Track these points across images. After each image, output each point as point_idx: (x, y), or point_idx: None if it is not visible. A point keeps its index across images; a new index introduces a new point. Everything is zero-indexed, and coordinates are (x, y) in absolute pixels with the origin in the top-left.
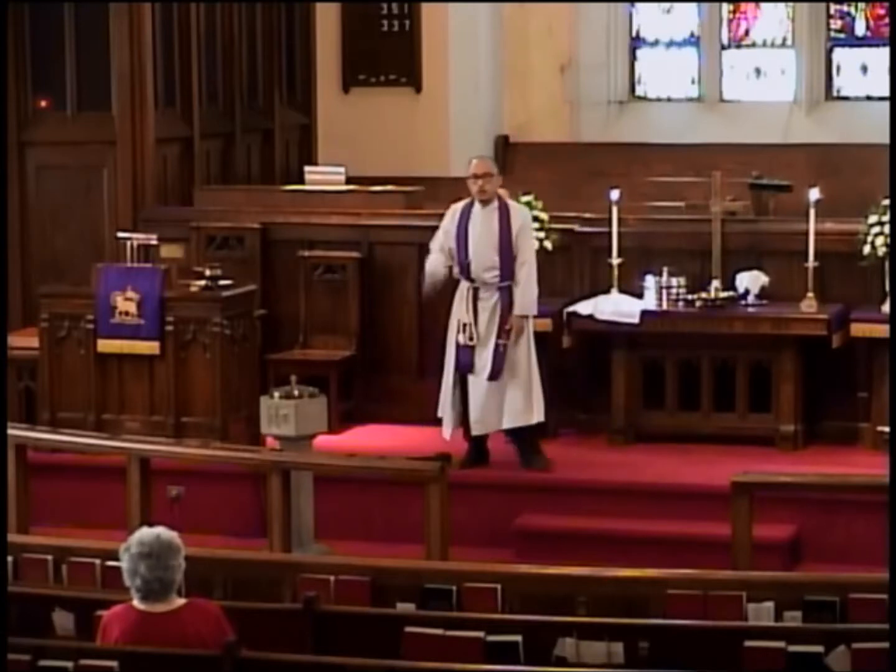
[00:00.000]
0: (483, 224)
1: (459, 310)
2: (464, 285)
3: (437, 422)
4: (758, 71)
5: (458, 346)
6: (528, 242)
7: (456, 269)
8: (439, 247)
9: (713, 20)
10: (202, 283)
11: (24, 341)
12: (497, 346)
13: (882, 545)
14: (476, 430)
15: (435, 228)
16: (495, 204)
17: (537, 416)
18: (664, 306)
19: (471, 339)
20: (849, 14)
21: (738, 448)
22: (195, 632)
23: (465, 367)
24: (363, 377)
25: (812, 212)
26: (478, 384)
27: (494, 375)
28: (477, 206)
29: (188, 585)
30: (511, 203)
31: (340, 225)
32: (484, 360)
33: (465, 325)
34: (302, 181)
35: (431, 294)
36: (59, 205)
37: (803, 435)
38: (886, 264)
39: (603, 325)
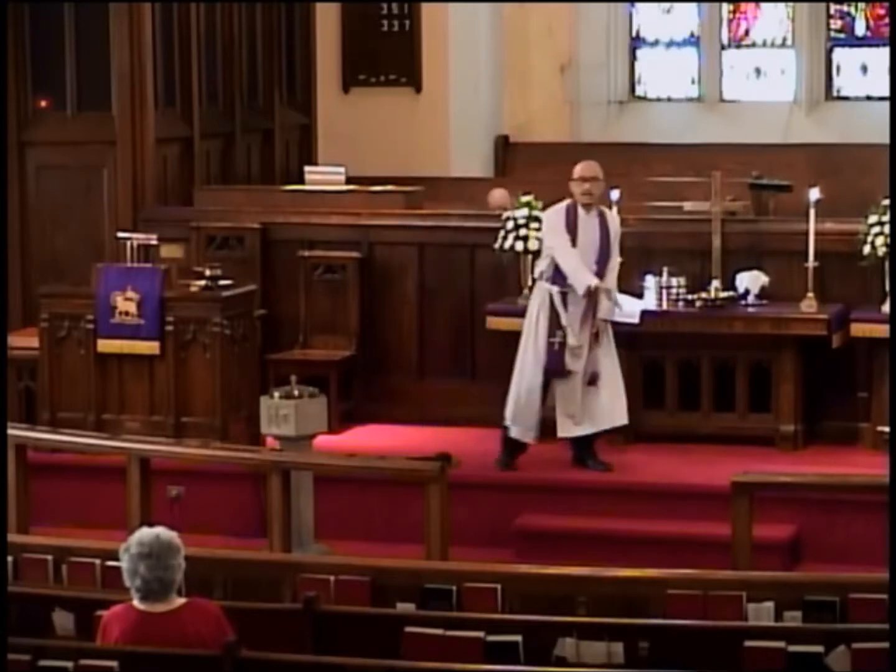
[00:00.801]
0: (586, 230)
1: (551, 313)
2: (552, 288)
3: (437, 422)
4: (758, 71)
5: (551, 348)
6: (618, 247)
7: (548, 273)
8: (568, 243)
9: (713, 20)
10: (202, 283)
11: (24, 341)
12: (592, 349)
13: (882, 545)
14: (567, 433)
15: (435, 228)
16: (596, 209)
17: (620, 419)
18: (664, 306)
19: (560, 342)
20: (849, 14)
21: (738, 448)
22: (195, 632)
23: (556, 371)
24: (363, 377)
25: (812, 212)
26: (570, 387)
27: (594, 379)
28: (581, 211)
29: (188, 585)
30: (605, 209)
31: (340, 225)
32: (577, 363)
33: (560, 327)
34: (302, 181)
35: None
36: (59, 205)
37: (803, 435)
38: (886, 264)
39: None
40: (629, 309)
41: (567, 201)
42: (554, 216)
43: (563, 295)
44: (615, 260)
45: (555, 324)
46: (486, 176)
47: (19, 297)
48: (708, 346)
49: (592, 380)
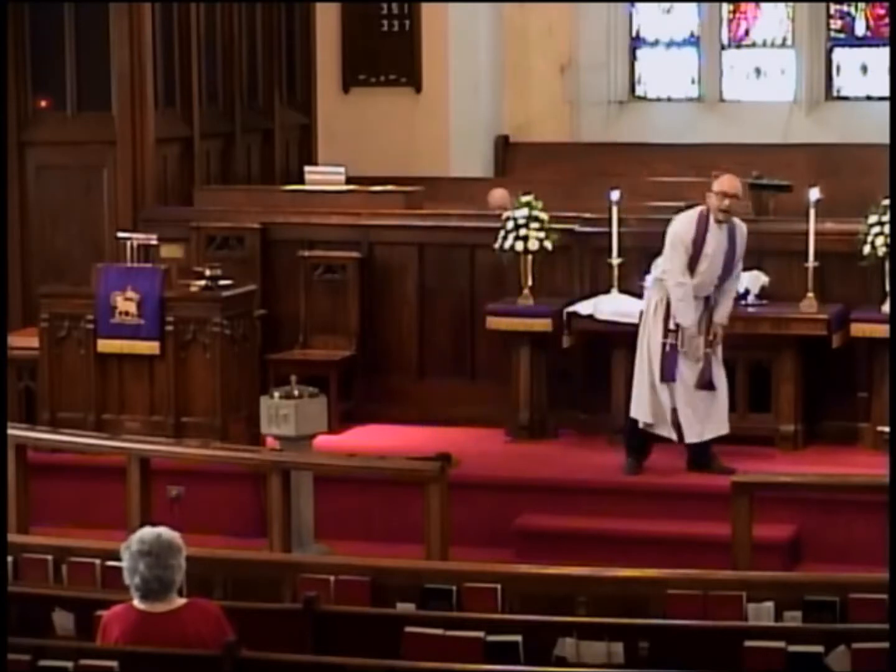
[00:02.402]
0: (717, 242)
1: (657, 319)
2: (661, 294)
3: (437, 422)
4: (758, 71)
5: (666, 351)
6: (741, 259)
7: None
8: (684, 265)
9: (713, 20)
10: (202, 283)
11: (24, 341)
12: (707, 355)
13: (882, 545)
14: (692, 438)
15: (435, 228)
16: (728, 223)
17: (727, 425)
18: None
19: (672, 345)
20: (849, 14)
21: (738, 448)
22: (195, 632)
23: (670, 375)
24: (363, 377)
25: (812, 212)
26: (686, 392)
27: (708, 385)
28: (713, 223)
29: (188, 585)
30: (737, 222)
31: (340, 225)
32: (691, 368)
33: (667, 331)
34: (302, 181)
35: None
36: (59, 205)
37: (803, 435)
38: (886, 264)
39: (603, 325)
40: (628, 309)
41: (700, 208)
42: (685, 223)
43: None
44: (738, 269)
45: (668, 326)
46: (486, 176)
47: (19, 297)
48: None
49: (706, 385)
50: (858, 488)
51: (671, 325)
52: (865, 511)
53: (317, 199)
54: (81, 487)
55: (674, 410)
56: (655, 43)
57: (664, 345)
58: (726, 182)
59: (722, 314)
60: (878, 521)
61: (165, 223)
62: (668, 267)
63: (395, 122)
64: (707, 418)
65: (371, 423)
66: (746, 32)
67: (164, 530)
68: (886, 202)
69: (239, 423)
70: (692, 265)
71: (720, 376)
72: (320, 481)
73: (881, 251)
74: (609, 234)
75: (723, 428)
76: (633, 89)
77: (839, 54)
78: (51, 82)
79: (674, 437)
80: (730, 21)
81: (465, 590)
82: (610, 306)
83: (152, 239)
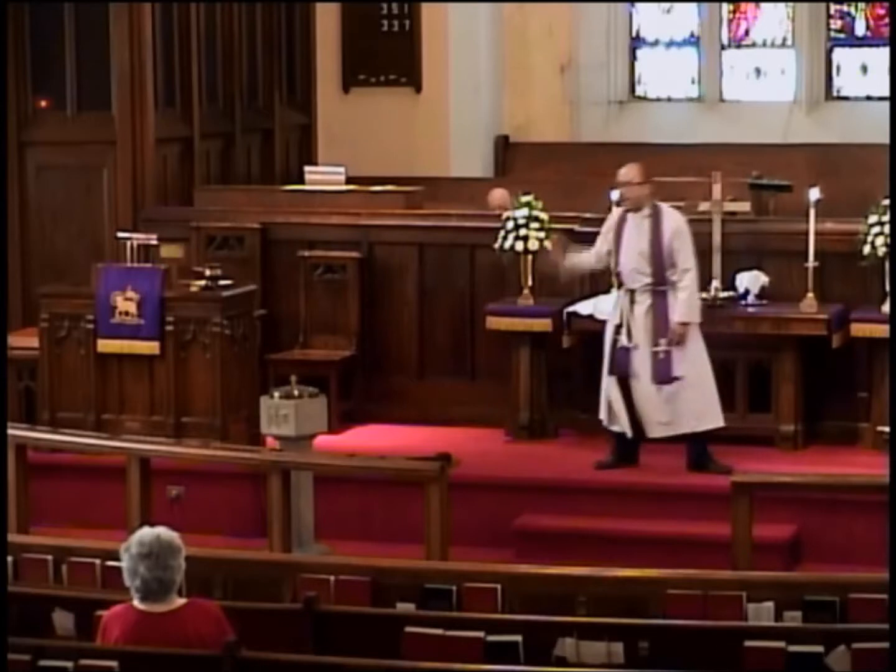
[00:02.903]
0: (633, 231)
1: (615, 313)
2: (621, 290)
3: (437, 422)
4: (758, 71)
5: (615, 348)
6: (687, 248)
7: (614, 277)
8: (595, 249)
9: (713, 20)
10: (202, 283)
11: (24, 341)
12: (656, 352)
13: (882, 545)
14: (655, 434)
15: (435, 228)
16: (647, 211)
17: (713, 421)
18: None
19: (625, 343)
20: (849, 14)
21: (738, 448)
22: (195, 632)
23: (622, 370)
24: (363, 377)
25: (812, 212)
26: (641, 388)
27: (659, 380)
28: (629, 214)
29: (188, 585)
30: (665, 209)
31: (340, 225)
32: (641, 364)
33: (618, 326)
34: (302, 181)
35: (565, 275)
36: (59, 205)
37: (803, 435)
38: (886, 264)
39: (603, 325)
40: None
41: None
42: (611, 216)
43: (632, 293)
44: (688, 261)
45: (617, 323)
46: (486, 176)
47: (19, 297)
48: (708, 347)
49: (659, 380)
50: (858, 488)
51: (621, 322)
52: (865, 511)
53: (317, 199)
54: (81, 487)
55: (632, 407)
56: (655, 43)
57: (615, 340)
58: (620, 171)
59: (680, 312)
60: (878, 521)
61: (165, 223)
62: None
63: (395, 122)
64: (676, 414)
65: (371, 423)
66: (746, 32)
67: (162, 531)
68: (886, 202)
69: (239, 423)
70: (617, 258)
71: (694, 370)
72: (320, 481)
73: (881, 251)
74: None
75: (702, 424)
76: (633, 89)
77: (839, 54)
78: (51, 82)
79: (629, 433)
80: (730, 21)
81: (465, 590)
82: (610, 306)
83: (152, 239)
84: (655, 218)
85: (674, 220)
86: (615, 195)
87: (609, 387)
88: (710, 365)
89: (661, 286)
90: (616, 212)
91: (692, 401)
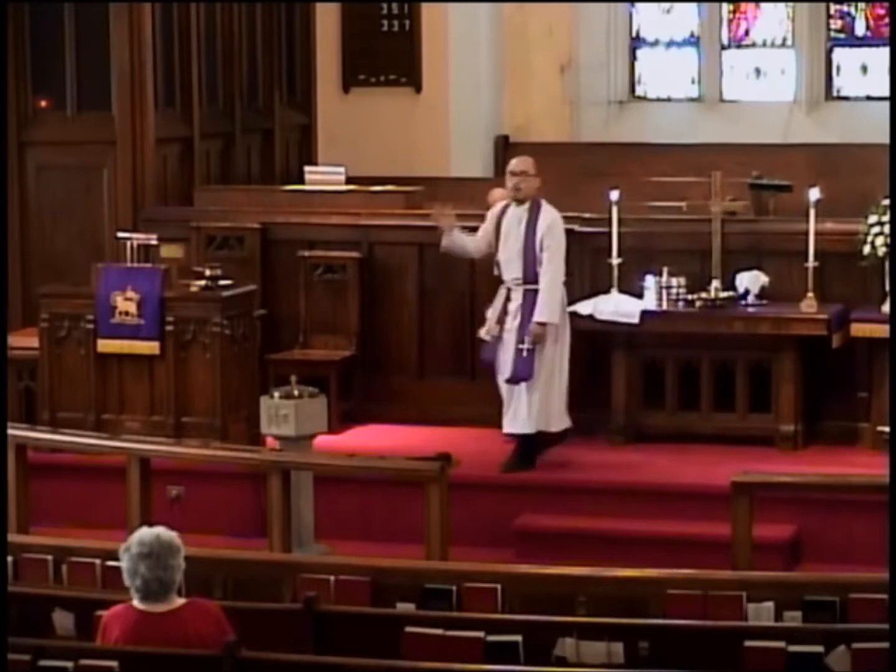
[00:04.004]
0: (513, 224)
1: (494, 307)
2: (502, 285)
3: (437, 422)
4: (758, 71)
5: (482, 339)
6: (556, 246)
7: (495, 269)
8: (477, 243)
9: (713, 20)
10: (202, 283)
11: (24, 341)
12: (520, 349)
13: (882, 545)
14: (505, 428)
15: (435, 228)
16: (527, 205)
17: (552, 425)
18: (664, 306)
19: (494, 336)
20: (849, 14)
21: (738, 448)
22: (195, 632)
23: (486, 363)
24: (363, 377)
25: (812, 212)
26: (501, 384)
27: (514, 379)
28: (512, 206)
29: (188, 585)
30: (544, 205)
31: (340, 225)
32: (505, 360)
33: (489, 320)
34: (302, 181)
35: (446, 245)
36: (59, 205)
37: (803, 435)
38: (886, 264)
39: (603, 325)
40: (629, 309)
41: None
42: (492, 211)
43: (508, 290)
44: (552, 259)
45: (494, 317)
46: (486, 176)
47: (19, 297)
48: (708, 346)
49: (512, 379)
50: (858, 488)
51: (493, 316)
52: (865, 511)
53: (317, 199)
54: (81, 487)
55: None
56: (655, 43)
57: (486, 333)
58: (513, 162)
59: (538, 312)
60: (878, 521)
61: (165, 223)
62: None
63: (395, 122)
64: (517, 413)
65: (371, 423)
66: (746, 32)
67: (162, 530)
68: (886, 202)
69: (239, 423)
70: (495, 249)
71: (544, 372)
72: (320, 481)
73: (881, 251)
74: (609, 234)
75: (528, 426)
76: (633, 89)
77: (839, 54)
78: (51, 82)
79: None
80: (730, 21)
81: (465, 590)
82: (610, 306)
83: (152, 239)
84: (534, 213)
85: (549, 217)
86: (615, 195)
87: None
88: (566, 370)
89: (531, 283)
90: (498, 206)
91: (531, 403)
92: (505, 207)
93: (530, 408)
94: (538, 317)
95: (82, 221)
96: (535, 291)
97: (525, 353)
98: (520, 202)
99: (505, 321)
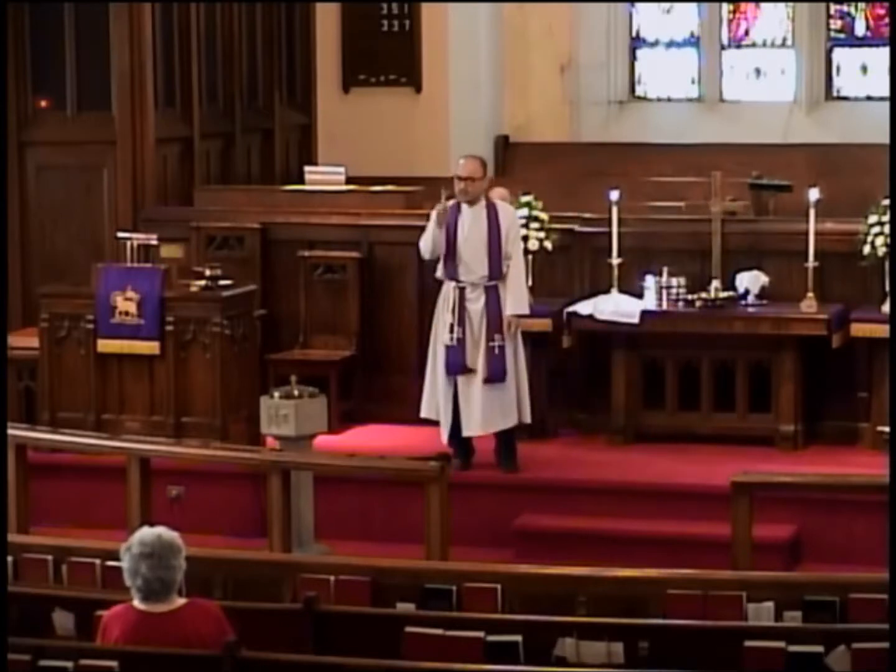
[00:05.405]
0: (471, 224)
1: (445, 311)
2: (449, 286)
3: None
4: (758, 71)
5: (446, 347)
6: (518, 242)
7: (440, 271)
8: (430, 233)
9: (713, 20)
10: (202, 283)
11: (24, 341)
12: (492, 347)
13: (882, 545)
14: (473, 432)
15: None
16: (482, 203)
17: (525, 417)
18: (664, 306)
19: (459, 339)
20: (849, 14)
21: (738, 448)
22: (195, 632)
23: (455, 368)
24: (363, 377)
25: (812, 212)
26: (474, 385)
27: (493, 377)
28: (465, 206)
29: (188, 585)
30: (499, 203)
31: (340, 225)
32: (477, 361)
33: (451, 325)
34: (302, 181)
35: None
36: (59, 205)
37: (803, 435)
38: (886, 264)
39: (603, 325)
40: (629, 309)
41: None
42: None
43: (461, 290)
44: (517, 254)
45: (454, 320)
46: None
47: (19, 297)
48: (708, 346)
49: (492, 377)
50: (858, 488)
51: (453, 319)
52: (865, 511)
53: (317, 199)
54: (81, 487)
55: (456, 404)
56: (655, 43)
57: (450, 338)
58: (460, 166)
59: (512, 305)
60: (878, 521)
61: (165, 223)
62: None
63: (395, 122)
64: (495, 412)
65: (371, 423)
66: (746, 32)
67: (163, 530)
68: (886, 202)
69: (239, 423)
70: (452, 250)
71: (515, 366)
72: (320, 481)
73: (881, 251)
74: (609, 234)
75: (511, 420)
76: (633, 89)
77: (839, 54)
78: (51, 82)
79: (446, 433)
80: (730, 21)
81: (465, 590)
82: (610, 306)
83: (152, 239)
84: (492, 211)
85: (510, 214)
86: (615, 195)
87: (444, 386)
88: (524, 361)
89: (493, 280)
90: (440, 207)
91: (508, 399)
92: (454, 209)
93: (502, 403)
94: (516, 310)
95: (82, 221)
96: (496, 288)
97: (497, 351)
98: (471, 203)
99: (466, 323)
